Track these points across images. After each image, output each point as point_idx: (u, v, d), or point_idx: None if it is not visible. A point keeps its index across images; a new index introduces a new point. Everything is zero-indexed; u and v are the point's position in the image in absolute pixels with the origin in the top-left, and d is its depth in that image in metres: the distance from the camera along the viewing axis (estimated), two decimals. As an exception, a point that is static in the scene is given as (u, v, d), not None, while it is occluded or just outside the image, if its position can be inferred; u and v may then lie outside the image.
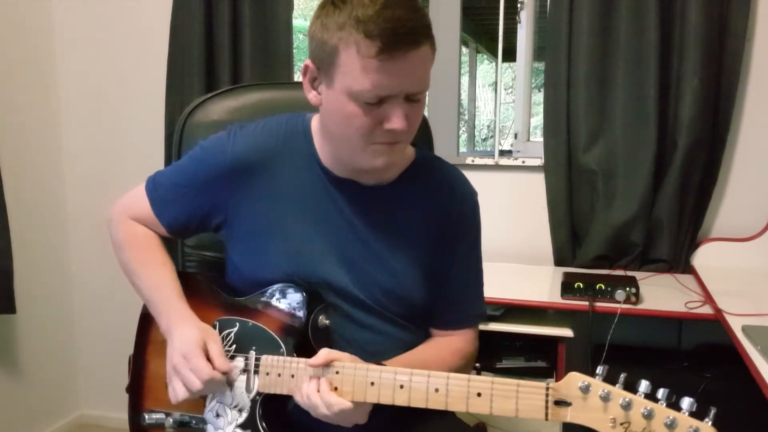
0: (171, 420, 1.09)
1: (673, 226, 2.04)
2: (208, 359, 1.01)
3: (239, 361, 1.06)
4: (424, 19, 0.94)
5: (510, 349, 1.97)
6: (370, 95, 0.93)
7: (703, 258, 2.06)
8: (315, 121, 1.12)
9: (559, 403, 0.85)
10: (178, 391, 1.02)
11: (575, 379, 0.84)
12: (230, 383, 1.06)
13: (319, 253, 1.09)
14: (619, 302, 1.77)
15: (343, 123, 0.98)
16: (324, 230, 1.10)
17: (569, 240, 2.17)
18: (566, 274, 1.97)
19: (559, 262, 2.20)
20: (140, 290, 1.15)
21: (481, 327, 1.82)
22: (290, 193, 1.11)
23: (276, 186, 1.11)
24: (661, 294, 1.87)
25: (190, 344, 1.02)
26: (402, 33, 0.90)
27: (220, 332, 1.09)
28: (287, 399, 1.03)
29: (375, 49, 0.90)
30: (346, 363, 0.97)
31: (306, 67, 1.00)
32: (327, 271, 1.09)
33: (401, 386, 0.94)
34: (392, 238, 1.10)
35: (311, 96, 1.02)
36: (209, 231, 1.18)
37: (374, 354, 1.06)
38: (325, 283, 1.09)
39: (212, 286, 1.17)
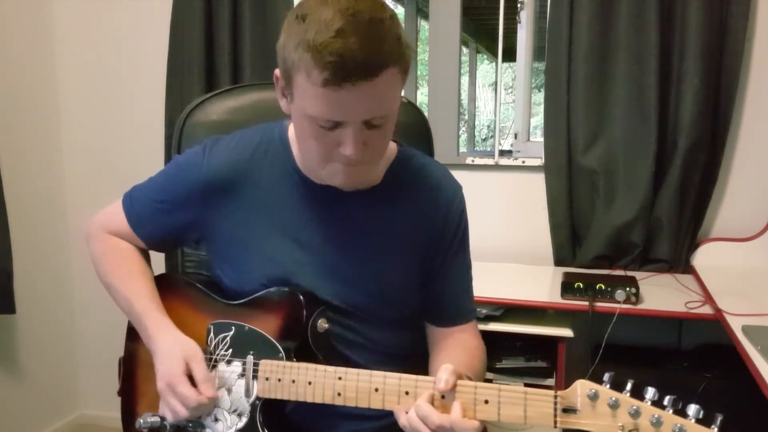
0: (167, 424, 1.08)
1: (673, 226, 2.04)
2: (194, 384, 1.01)
3: (236, 366, 1.05)
4: (385, 47, 0.86)
5: (510, 349, 1.97)
6: (323, 120, 0.91)
7: (703, 258, 2.06)
8: (292, 129, 1.09)
9: (567, 410, 0.86)
10: (168, 416, 1.03)
11: (583, 386, 0.85)
12: (228, 389, 1.05)
13: (301, 265, 1.07)
14: (619, 302, 1.77)
15: (304, 139, 0.97)
16: (305, 241, 1.08)
17: (569, 240, 2.17)
18: (566, 274, 1.98)
19: (559, 262, 2.20)
20: (118, 302, 1.14)
21: (481, 327, 1.83)
22: (269, 206, 1.08)
23: (254, 199, 1.09)
24: (661, 294, 1.87)
25: (174, 371, 1.01)
26: (351, 66, 0.84)
27: (215, 336, 1.08)
28: (286, 402, 1.02)
29: (321, 78, 0.86)
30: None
31: (276, 77, 0.98)
32: (310, 284, 1.06)
33: (407, 392, 0.93)
34: (377, 243, 1.08)
35: (282, 104, 1.00)
36: (189, 245, 1.16)
37: (369, 359, 1.06)
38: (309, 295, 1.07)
39: (206, 289, 1.15)
